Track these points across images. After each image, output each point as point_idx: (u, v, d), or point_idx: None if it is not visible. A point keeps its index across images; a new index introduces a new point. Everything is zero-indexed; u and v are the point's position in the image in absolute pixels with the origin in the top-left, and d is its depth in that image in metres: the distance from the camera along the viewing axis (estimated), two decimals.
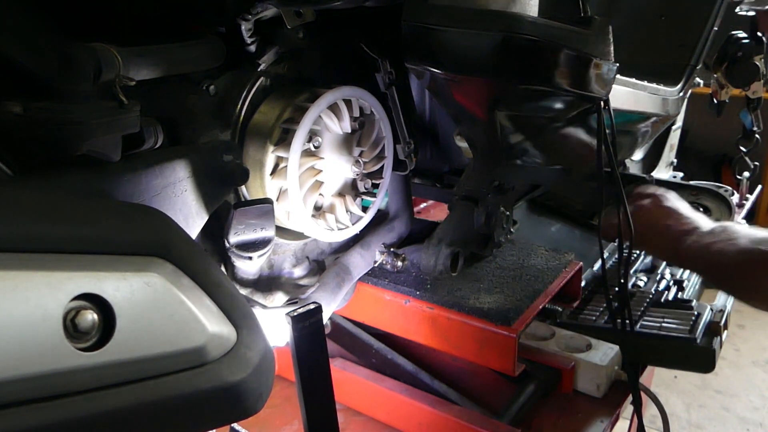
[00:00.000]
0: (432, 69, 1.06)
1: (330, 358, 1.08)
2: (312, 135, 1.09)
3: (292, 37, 1.10)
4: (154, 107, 0.93)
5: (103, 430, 0.55)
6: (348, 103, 1.14)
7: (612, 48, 1.22)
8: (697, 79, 2.46)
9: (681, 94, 2.17)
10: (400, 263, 1.34)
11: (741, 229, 1.18)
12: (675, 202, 1.34)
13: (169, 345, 0.60)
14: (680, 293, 1.72)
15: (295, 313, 0.97)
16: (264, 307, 1.13)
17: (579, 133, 1.29)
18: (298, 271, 1.25)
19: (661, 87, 1.99)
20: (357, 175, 1.21)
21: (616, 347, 1.42)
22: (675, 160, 2.95)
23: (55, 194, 0.73)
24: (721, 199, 2.40)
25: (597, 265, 1.88)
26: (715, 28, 2.31)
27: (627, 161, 2.54)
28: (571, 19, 1.15)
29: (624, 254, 1.33)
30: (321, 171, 1.13)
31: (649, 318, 1.56)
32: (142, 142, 0.89)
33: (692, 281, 1.81)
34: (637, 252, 2.01)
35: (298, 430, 1.36)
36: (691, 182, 2.56)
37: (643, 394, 1.40)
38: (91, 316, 0.55)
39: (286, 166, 1.06)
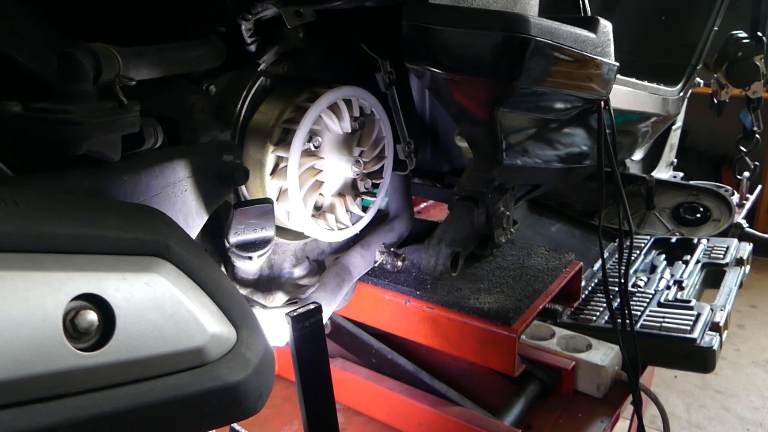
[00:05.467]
0: (432, 69, 1.06)
1: (330, 358, 1.08)
2: (312, 135, 1.09)
3: (292, 37, 1.10)
4: (154, 107, 0.93)
5: (103, 431, 0.55)
6: (348, 103, 1.14)
7: (612, 48, 1.22)
8: (697, 79, 2.46)
9: (681, 94, 2.18)
10: (400, 263, 1.34)
11: None
12: None
13: (169, 345, 0.60)
14: (680, 293, 1.72)
15: (295, 313, 0.97)
16: (264, 307, 1.13)
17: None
18: (298, 271, 1.25)
19: (662, 87, 2.00)
20: (357, 175, 1.21)
21: (616, 347, 1.42)
22: (675, 160, 2.95)
23: (55, 194, 0.73)
24: (721, 199, 2.40)
25: (597, 265, 1.89)
26: (716, 28, 2.31)
27: (627, 161, 2.54)
28: (573, 19, 1.15)
29: (624, 254, 1.33)
30: (321, 171, 1.13)
31: (649, 318, 1.56)
32: (142, 142, 0.89)
33: (692, 281, 1.81)
34: (637, 252, 2.01)
35: (298, 430, 1.36)
36: (691, 182, 2.57)
37: (643, 394, 1.40)
38: (91, 317, 0.55)
39: (286, 166, 1.06)
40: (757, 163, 2.71)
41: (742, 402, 3.17)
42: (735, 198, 2.42)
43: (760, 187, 2.74)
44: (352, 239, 1.32)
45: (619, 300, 1.34)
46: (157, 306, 0.60)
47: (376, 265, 1.35)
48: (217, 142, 1.04)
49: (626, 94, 1.69)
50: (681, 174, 2.91)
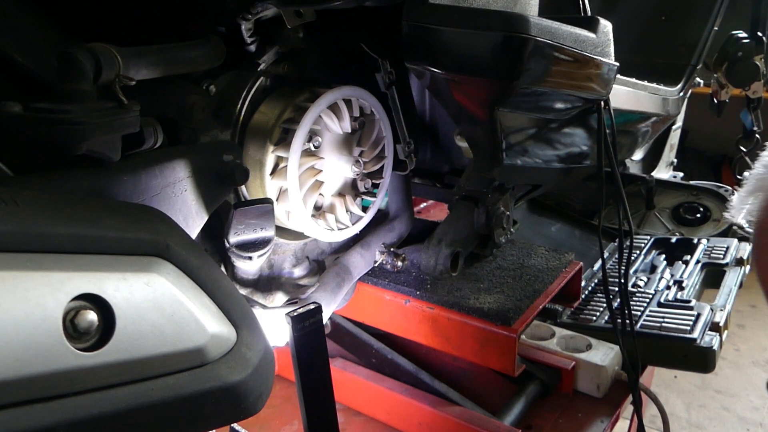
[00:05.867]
0: (432, 69, 1.06)
1: (330, 358, 1.08)
2: (312, 135, 1.09)
3: (292, 37, 1.10)
4: (154, 107, 0.93)
5: (103, 431, 0.55)
6: (348, 102, 1.14)
7: (612, 48, 1.22)
8: (697, 79, 2.46)
9: (681, 94, 2.18)
10: (400, 263, 1.34)
11: None
12: None
13: (169, 345, 0.60)
14: (680, 293, 1.72)
15: (295, 313, 0.97)
16: (264, 307, 1.13)
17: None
18: (298, 271, 1.25)
19: (662, 87, 2.00)
20: (357, 175, 1.21)
21: (616, 347, 1.42)
22: (675, 160, 2.95)
23: (55, 194, 0.73)
24: (721, 199, 2.40)
25: (597, 265, 1.89)
26: (716, 28, 2.31)
27: (627, 161, 2.54)
28: (573, 19, 1.15)
29: (624, 254, 1.33)
30: (321, 171, 1.13)
31: (649, 318, 1.56)
32: (142, 142, 0.89)
33: (692, 281, 1.81)
34: (637, 252, 2.01)
35: (298, 430, 1.36)
36: (691, 182, 2.57)
37: (643, 394, 1.40)
38: (91, 317, 0.55)
39: (286, 166, 1.06)
40: None
41: (742, 402, 3.17)
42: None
43: None
44: (352, 239, 1.32)
45: (619, 300, 1.34)
46: (157, 306, 0.60)
47: (376, 265, 1.35)
48: (217, 142, 1.04)
49: (626, 94, 1.69)
50: (681, 174, 2.91)
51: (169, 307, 0.61)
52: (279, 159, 1.08)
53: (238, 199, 1.11)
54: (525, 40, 0.98)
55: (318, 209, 1.18)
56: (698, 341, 1.43)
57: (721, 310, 1.57)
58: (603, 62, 1.18)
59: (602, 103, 1.26)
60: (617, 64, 1.23)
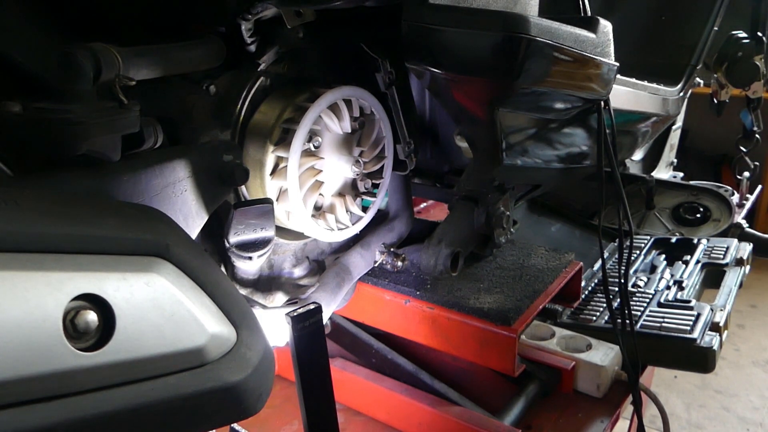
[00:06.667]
0: (432, 69, 1.06)
1: (330, 358, 1.08)
2: (312, 135, 1.09)
3: (292, 37, 1.10)
4: (154, 107, 0.93)
5: (103, 431, 0.55)
6: (348, 103, 1.14)
7: (612, 48, 1.22)
8: (697, 79, 2.46)
9: (681, 94, 2.18)
10: (400, 263, 1.34)
11: None
12: None
13: (169, 345, 0.60)
14: (680, 293, 1.71)
15: (295, 313, 0.97)
16: (264, 307, 1.13)
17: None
18: (298, 271, 1.25)
19: (661, 87, 2.00)
20: (357, 175, 1.21)
21: (616, 347, 1.42)
22: (675, 160, 2.95)
23: (55, 194, 0.73)
24: (721, 199, 2.40)
25: (597, 265, 1.89)
26: (715, 28, 2.31)
27: (627, 161, 2.54)
28: (573, 19, 1.15)
29: (624, 254, 1.33)
30: (321, 171, 1.13)
31: (649, 318, 1.56)
32: (142, 142, 0.89)
33: (692, 281, 1.81)
34: (637, 252, 2.01)
35: (298, 430, 1.36)
36: (691, 182, 2.57)
37: (643, 394, 1.40)
38: (91, 317, 0.55)
39: (286, 166, 1.06)
40: (757, 163, 2.71)
41: (742, 402, 3.17)
42: (735, 198, 2.42)
43: (760, 187, 2.74)
44: (352, 239, 1.32)
45: (619, 300, 1.34)
46: (157, 306, 0.60)
47: (376, 265, 1.35)
48: (217, 142, 1.04)
49: (626, 94, 1.69)
50: (681, 174, 2.91)
51: (169, 307, 0.61)
52: (279, 159, 1.08)
53: (238, 199, 1.11)
54: (525, 40, 0.98)
55: (318, 209, 1.18)
56: (698, 341, 1.43)
57: (721, 310, 1.57)
58: (603, 62, 1.18)
59: (602, 103, 1.26)
60: (617, 64, 1.23)
